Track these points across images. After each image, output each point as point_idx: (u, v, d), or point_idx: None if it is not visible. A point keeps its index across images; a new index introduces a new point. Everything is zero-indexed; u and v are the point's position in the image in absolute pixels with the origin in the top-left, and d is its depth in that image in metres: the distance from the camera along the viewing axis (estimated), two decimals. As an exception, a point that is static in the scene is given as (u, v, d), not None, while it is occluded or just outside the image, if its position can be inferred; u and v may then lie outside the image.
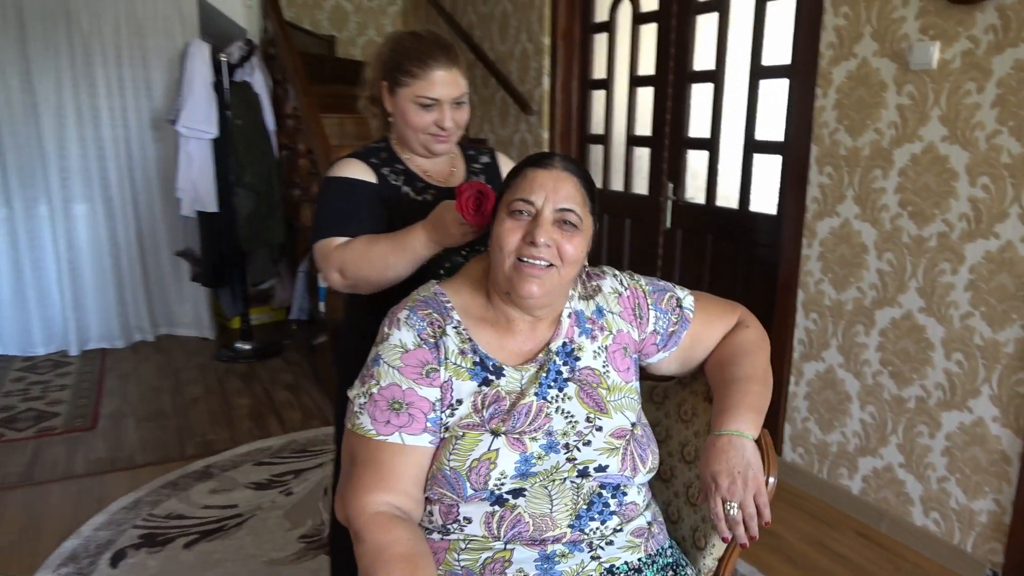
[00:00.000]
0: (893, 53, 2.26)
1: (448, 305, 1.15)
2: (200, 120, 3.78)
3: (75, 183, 4.06)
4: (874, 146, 2.35)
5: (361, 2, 6.02)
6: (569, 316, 1.18)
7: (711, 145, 3.19)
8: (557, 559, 1.05)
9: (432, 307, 1.14)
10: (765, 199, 2.97)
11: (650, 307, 1.22)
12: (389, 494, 1.04)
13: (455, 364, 1.10)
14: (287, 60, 3.96)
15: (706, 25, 3.19)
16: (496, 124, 4.59)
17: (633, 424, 1.15)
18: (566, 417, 1.10)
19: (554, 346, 1.15)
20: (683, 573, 1.15)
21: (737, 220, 3.09)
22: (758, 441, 1.18)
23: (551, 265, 1.09)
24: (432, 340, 1.10)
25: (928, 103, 2.18)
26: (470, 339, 1.12)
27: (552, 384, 1.12)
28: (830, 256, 2.54)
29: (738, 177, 3.07)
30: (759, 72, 2.92)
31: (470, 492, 1.04)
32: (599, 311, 1.20)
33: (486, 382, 1.10)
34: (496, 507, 1.06)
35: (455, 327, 1.12)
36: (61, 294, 4.10)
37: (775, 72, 2.84)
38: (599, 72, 3.90)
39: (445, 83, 1.39)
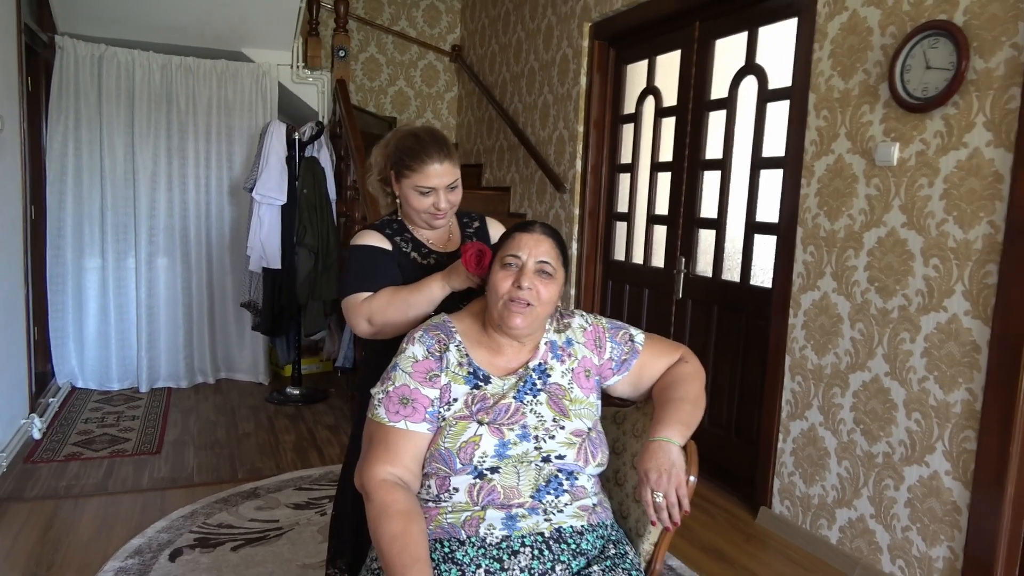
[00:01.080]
0: (863, 151, 2.63)
1: (453, 329, 1.53)
2: (273, 188, 4.33)
3: (160, 239, 4.64)
4: (848, 229, 2.68)
5: (421, 88, 6.65)
6: (545, 344, 1.55)
7: (718, 225, 3.56)
8: (519, 519, 1.39)
9: (440, 330, 1.52)
10: (764, 273, 3.31)
11: (607, 340, 1.58)
12: (394, 467, 1.40)
13: (454, 372, 1.47)
14: (350, 139, 4.51)
15: (716, 120, 3.60)
16: (534, 200, 5.04)
17: (589, 428, 1.49)
18: (537, 416, 1.46)
19: (532, 364, 1.51)
20: (622, 549, 1.47)
21: (739, 292, 3.42)
22: (686, 448, 1.51)
23: (531, 304, 1.46)
24: (437, 354, 1.48)
25: (890, 194, 2.52)
26: (467, 355, 1.49)
27: (528, 391, 1.48)
28: (812, 325, 2.85)
29: (740, 254, 3.42)
30: (759, 163, 3.31)
31: (459, 466, 1.39)
32: (568, 342, 1.57)
33: (476, 386, 1.47)
34: (477, 480, 1.40)
35: (456, 345, 1.50)
36: (138, 337, 4.62)
37: (772, 163, 3.22)
38: (625, 157, 4.34)
39: (439, 174, 1.73)
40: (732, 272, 3.51)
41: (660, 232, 4.02)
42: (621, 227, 4.39)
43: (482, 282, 1.61)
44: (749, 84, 3.38)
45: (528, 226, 1.52)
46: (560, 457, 1.43)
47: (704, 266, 3.71)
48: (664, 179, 3.99)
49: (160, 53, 4.51)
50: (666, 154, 3.96)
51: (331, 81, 5.02)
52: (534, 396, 1.47)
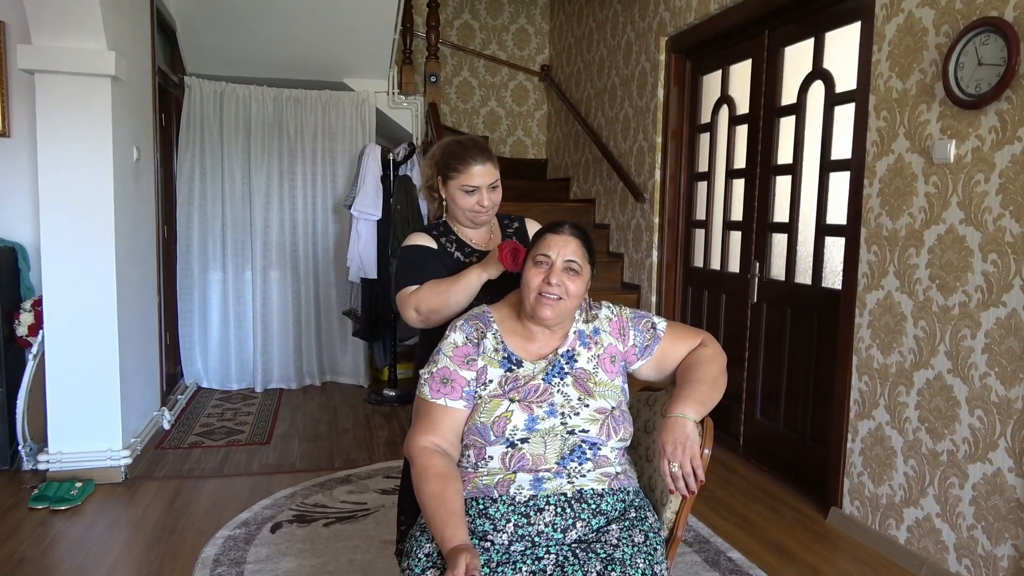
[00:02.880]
0: (921, 150, 2.64)
1: (491, 319, 1.74)
2: (369, 205, 4.71)
3: (273, 254, 5.12)
4: (908, 228, 2.70)
5: (512, 108, 6.95)
6: (574, 333, 1.73)
7: (790, 228, 3.60)
8: (545, 480, 1.57)
9: (479, 319, 1.74)
10: (834, 275, 3.32)
11: (630, 328, 1.75)
12: (434, 436, 1.62)
13: (490, 356, 1.68)
14: (440, 158, 4.83)
15: (786, 126, 3.65)
16: (616, 211, 5.20)
17: (612, 407, 1.66)
18: (564, 396, 1.64)
19: (561, 351, 1.70)
20: (643, 513, 1.62)
21: (810, 295, 3.44)
22: (703, 424, 1.65)
23: (560, 298, 1.65)
24: (475, 340, 1.69)
25: (948, 191, 2.53)
26: (503, 342, 1.70)
27: (556, 374, 1.66)
28: (877, 324, 2.86)
29: (811, 257, 3.45)
30: (828, 166, 3.34)
31: (492, 438, 1.60)
32: (596, 331, 1.74)
33: (510, 369, 1.67)
34: (509, 449, 1.60)
35: (493, 333, 1.71)
36: (254, 342, 5.11)
37: (840, 166, 3.25)
38: (702, 166, 4.43)
39: (482, 174, 1.94)
40: (804, 275, 3.54)
41: (736, 238, 4.08)
42: (699, 234, 4.47)
43: (515, 273, 1.81)
44: (817, 89, 3.42)
45: (558, 227, 1.71)
46: (584, 431, 1.61)
47: (778, 270, 3.74)
48: (739, 185, 4.06)
49: (272, 87, 5.01)
50: (740, 161, 4.03)
51: (424, 105, 5.38)
52: (561, 378, 1.66)
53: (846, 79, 3.21)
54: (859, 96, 2.98)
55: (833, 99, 3.30)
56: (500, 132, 6.92)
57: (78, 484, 3.17)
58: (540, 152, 6.99)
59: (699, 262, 4.46)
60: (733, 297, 4.07)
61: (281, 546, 2.74)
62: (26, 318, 3.49)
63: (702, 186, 4.43)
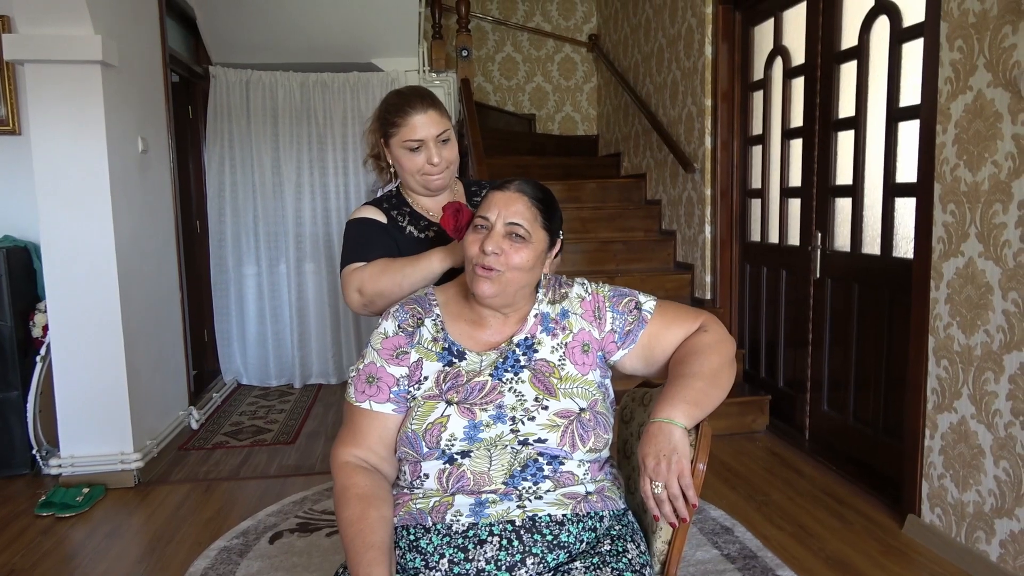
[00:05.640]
0: (1006, 82, 2.15)
1: (433, 302, 1.42)
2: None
3: (306, 245, 4.95)
4: (993, 179, 2.21)
5: (559, 82, 6.58)
6: (535, 316, 1.39)
7: (854, 191, 3.12)
8: (488, 504, 1.24)
9: (418, 303, 1.42)
10: (906, 243, 2.84)
11: (607, 309, 1.39)
12: (358, 448, 1.32)
13: (426, 348, 1.36)
14: (471, 137, 4.53)
15: (847, 73, 3.17)
16: (668, 185, 4.77)
17: (582, 409, 1.31)
18: (517, 396, 1.30)
19: (516, 339, 1.36)
20: (621, 545, 1.27)
21: (880, 267, 2.96)
22: (698, 430, 1.28)
23: (500, 271, 1.31)
24: (409, 328, 1.37)
25: (1042, 130, 2.04)
26: (443, 329, 1.38)
27: (509, 368, 1.33)
28: (957, 298, 2.38)
29: (879, 223, 2.96)
30: (895, 115, 2.86)
31: (426, 450, 1.28)
32: (564, 313, 1.39)
33: (450, 363, 1.34)
34: (447, 465, 1.28)
35: (433, 319, 1.39)
36: (291, 337, 4.97)
37: (910, 114, 2.76)
38: (756, 128, 3.96)
39: (425, 124, 1.62)
40: (872, 244, 3.05)
41: (795, 206, 3.61)
42: (755, 205, 4.02)
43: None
44: (881, 26, 2.93)
45: (504, 183, 1.37)
46: (541, 441, 1.27)
47: (842, 240, 3.27)
48: (796, 147, 3.59)
49: (299, 72, 4.82)
50: (797, 119, 3.56)
51: (456, 81, 5.08)
52: (516, 374, 1.32)
53: (914, 9, 2.71)
54: (928, 26, 2.48)
55: (900, 35, 2.81)
56: (548, 109, 6.56)
57: (85, 490, 3.05)
58: (591, 128, 6.59)
59: (756, 236, 4.00)
60: (793, 273, 3.61)
61: (275, 559, 2.52)
62: (40, 319, 3.41)
63: (756, 151, 3.97)
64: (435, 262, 1.56)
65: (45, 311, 3.38)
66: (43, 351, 3.30)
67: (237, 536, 2.71)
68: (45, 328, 3.37)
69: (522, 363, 1.34)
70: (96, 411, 3.19)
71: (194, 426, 4.03)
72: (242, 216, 4.87)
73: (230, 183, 4.83)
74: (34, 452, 3.32)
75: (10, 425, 3.31)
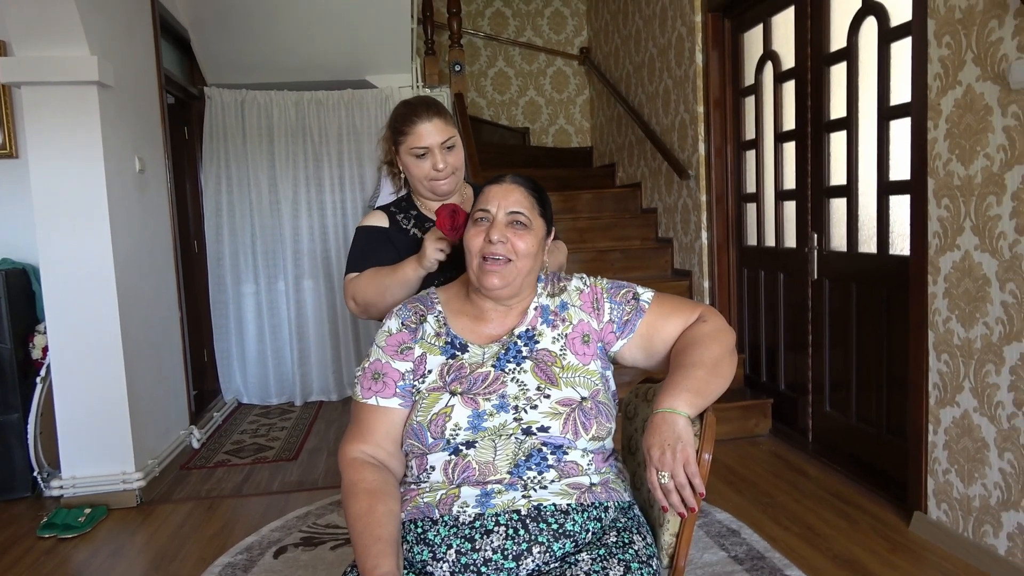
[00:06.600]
0: (995, 75, 2.17)
1: (435, 299, 1.44)
2: (390, 196, 4.46)
3: (304, 262, 4.95)
4: (985, 172, 2.23)
5: (552, 96, 6.63)
6: (535, 309, 1.40)
7: (849, 191, 3.14)
8: (494, 495, 1.25)
9: (420, 302, 1.44)
10: (902, 240, 2.85)
11: (605, 300, 1.41)
12: (366, 444, 1.33)
13: (429, 343, 1.37)
14: (466, 151, 4.55)
15: (838, 75, 3.20)
16: (663, 192, 4.79)
17: (584, 398, 1.31)
18: (519, 385, 1.31)
19: (517, 331, 1.38)
20: (627, 537, 1.27)
21: (877, 265, 2.97)
22: (703, 419, 1.29)
23: (508, 260, 1.34)
24: (412, 325, 1.40)
25: (1033, 121, 2.06)
26: (445, 324, 1.40)
27: (511, 359, 1.34)
28: (955, 292, 2.39)
29: (875, 221, 2.98)
30: (886, 113, 2.88)
31: (431, 441, 1.29)
32: (563, 306, 1.41)
33: (453, 356, 1.36)
34: (452, 456, 1.29)
35: (435, 316, 1.41)
36: (291, 355, 4.96)
37: (900, 112, 2.79)
38: (749, 133, 3.99)
39: (430, 132, 1.68)
40: (868, 243, 3.07)
41: (790, 209, 3.63)
42: (751, 209, 4.03)
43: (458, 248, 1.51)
44: (869, 27, 2.96)
45: (498, 178, 1.42)
46: (543, 429, 1.27)
47: (838, 240, 3.28)
48: (789, 150, 3.61)
49: (293, 91, 4.85)
50: (789, 122, 3.59)
51: (450, 96, 5.12)
52: (518, 364, 1.34)
53: (901, 9, 2.75)
54: (915, 24, 2.52)
55: (888, 35, 2.84)
56: (541, 122, 6.60)
57: (87, 510, 3.03)
58: (584, 140, 6.63)
59: (752, 240, 4.01)
60: (791, 276, 3.62)
61: (280, 574, 2.50)
62: (40, 341, 3.40)
63: (750, 156, 4.00)
64: (408, 270, 1.62)
65: (44, 333, 3.38)
66: (43, 373, 3.29)
67: (241, 552, 2.69)
68: (45, 350, 3.37)
69: (524, 353, 1.35)
70: (97, 431, 3.17)
71: (195, 445, 4.01)
72: (240, 235, 4.88)
73: (227, 202, 4.84)
74: (35, 474, 3.30)
75: (11, 448, 3.30)
